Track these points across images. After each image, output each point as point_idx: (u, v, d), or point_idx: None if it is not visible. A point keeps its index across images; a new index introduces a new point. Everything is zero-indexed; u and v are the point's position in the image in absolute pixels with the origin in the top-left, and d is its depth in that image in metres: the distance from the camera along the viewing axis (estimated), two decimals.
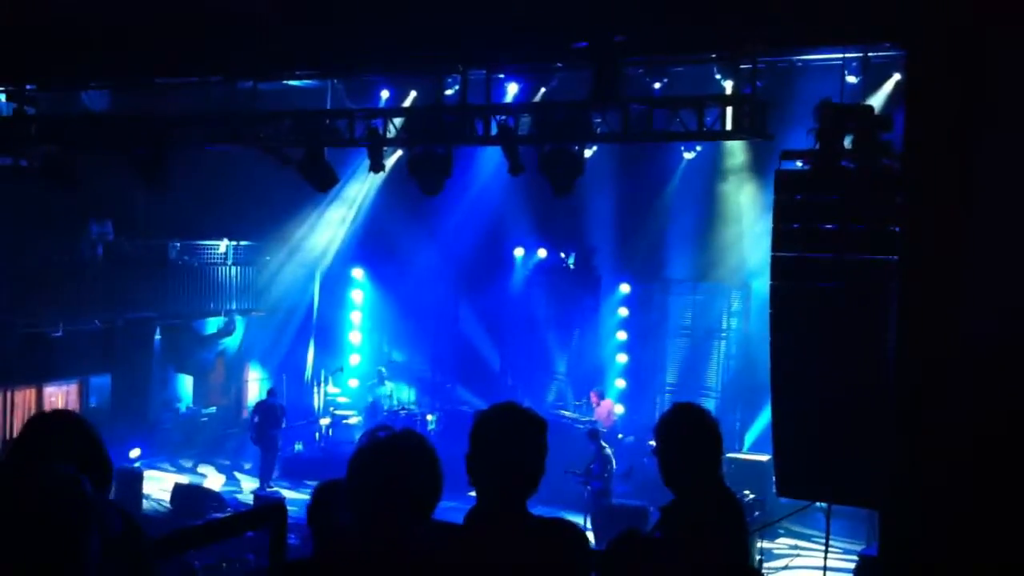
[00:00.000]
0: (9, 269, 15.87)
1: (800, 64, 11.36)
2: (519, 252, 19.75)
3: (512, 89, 12.30)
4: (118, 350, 18.76)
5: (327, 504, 3.93)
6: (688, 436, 4.04)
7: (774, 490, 10.71)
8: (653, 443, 4.28)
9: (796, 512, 12.40)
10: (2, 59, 12.41)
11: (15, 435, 3.55)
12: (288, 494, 15.98)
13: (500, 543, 3.25)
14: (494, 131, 11.35)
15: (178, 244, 19.62)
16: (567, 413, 17.30)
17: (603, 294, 19.16)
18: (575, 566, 3.34)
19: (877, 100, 11.56)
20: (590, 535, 13.16)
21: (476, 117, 11.43)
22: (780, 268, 9.56)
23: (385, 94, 13.09)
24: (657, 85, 11.80)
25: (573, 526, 3.46)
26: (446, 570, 3.08)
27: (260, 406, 17.67)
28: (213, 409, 20.58)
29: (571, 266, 19.44)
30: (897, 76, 11.34)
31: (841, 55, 10.74)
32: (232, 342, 21.03)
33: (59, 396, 18.06)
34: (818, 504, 12.18)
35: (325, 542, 3.84)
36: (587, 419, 16.87)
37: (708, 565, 3.70)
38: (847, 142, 9.54)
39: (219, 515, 13.71)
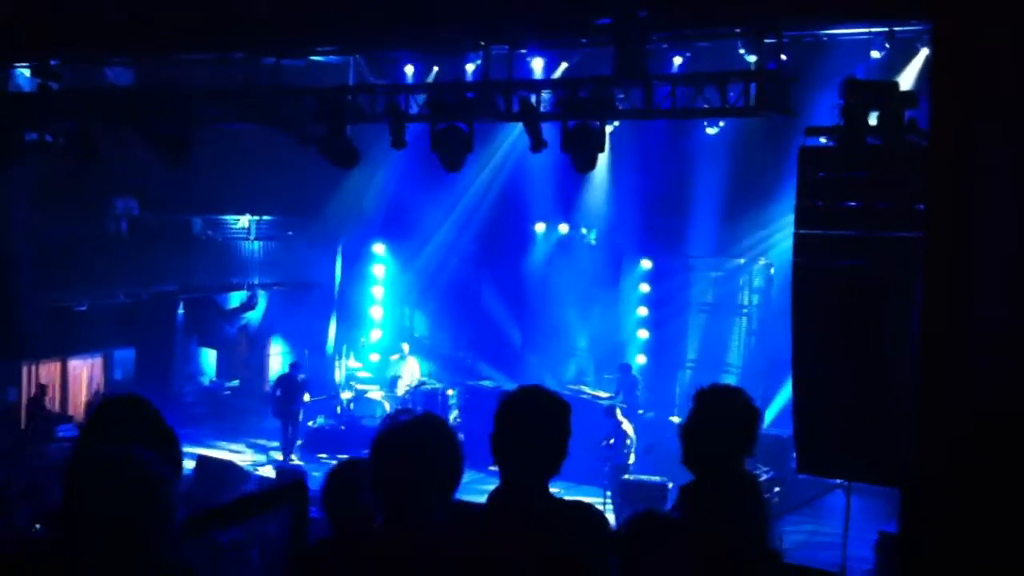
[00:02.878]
0: (35, 244, 15.99)
1: (826, 39, 11.24)
2: (540, 227, 19.72)
3: (537, 65, 12.24)
4: (142, 324, 18.88)
5: (342, 487, 3.97)
6: (722, 421, 3.97)
7: (794, 466, 10.70)
8: (676, 419, 4.24)
9: (818, 496, 12.38)
10: (26, 34, 12.46)
11: (85, 420, 3.54)
12: (310, 467, 16.09)
13: (522, 525, 3.27)
14: (516, 107, 11.31)
15: (202, 219, 19.71)
16: (586, 389, 17.28)
17: (624, 270, 19.13)
18: (596, 549, 3.35)
19: (908, 76, 11.42)
20: (610, 509, 13.21)
21: (498, 93, 11.39)
22: (803, 245, 9.50)
23: (410, 69, 13.04)
24: (678, 60, 11.71)
25: (594, 509, 3.49)
26: (469, 552, 3.10)
27: (282, 380, 17.79)
28: (236, 382, 20.71)
29: (592, 242, 19.39)
30: (926, 51, 11.20)
31: (867, 29, 10.63)
32: (255, 316, 21.13)
33: (84, 369, 18.23)
34: (838, 481, 12.16)
35: (343, 524, 3.88)
36: (607, 395, 16.88)
37: (727, 547, 3.71)
38: (872, 119, 9.46)
39: (242, 488, 13.83)
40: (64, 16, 11.92)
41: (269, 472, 16.10)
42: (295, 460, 17.00)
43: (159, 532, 2.55)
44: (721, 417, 3.96)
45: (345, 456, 4.63)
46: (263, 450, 18.03)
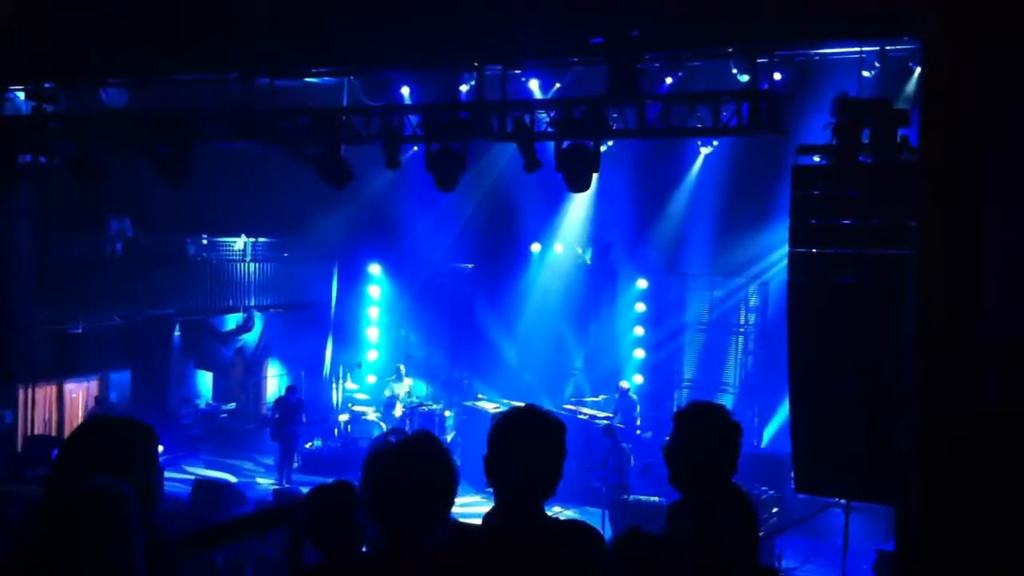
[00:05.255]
0: (30, 266, 15.97)
1: (818, 58, 11.30)
2: (536, 247, 19.74)
3: (535, 85, 12.29)
4: (138, 346, 18.86)
5: (319, 512, 4.01)
6: (704, 438, 4.00)
7: (792, 486, 10.67)
8: (668, 439, 4.24)
9: (816, 513, 12.34)
10: (20, 57, 12.49)
11: (67, 439, 3.55)
12: (307, 490, 16.01)
13: (517, 546, 3.25)
14: (510, 127, 11.34)
15: (197, 240, 19.71)
16: (584, 409, 17.26)
17: (620, 289, 19.13)
18: (592, 569, 3.34)
19: (902, 94, 11.46)
20: (609, 530, 13.17)
21: (492, 113, 11.43)
22: (798, 264, 9.53)
23: (406, 91, 13.07)
24: (668, 80, 11.74)
25: (590, 529, 3.46)
26: (463, 572, 3.09)
27: (280, 402, 17.77)
28: (232, 405, 20.66)
29: (588, 261, 19.41)
30: (919, 70, 11.24)
31: (858, 48, 10.69)
32: (251, 338, 21.09)
33: (80, 392, 18.18)
34: (837, 500, 12.13)
35: (326, 548, 3.89)
36: (605, 415, 16.87)
37: (715, 564, 3.70)
38: (865, 137, 9.49)
39: (239, 511, 13.77)
40: (59, 39, 11.96)
41: (266, 494, 16.03)
42: (292, 483, 16.93)
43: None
44: (702, 435, 3.99)
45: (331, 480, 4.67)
46: (260, 473, 17.97)
